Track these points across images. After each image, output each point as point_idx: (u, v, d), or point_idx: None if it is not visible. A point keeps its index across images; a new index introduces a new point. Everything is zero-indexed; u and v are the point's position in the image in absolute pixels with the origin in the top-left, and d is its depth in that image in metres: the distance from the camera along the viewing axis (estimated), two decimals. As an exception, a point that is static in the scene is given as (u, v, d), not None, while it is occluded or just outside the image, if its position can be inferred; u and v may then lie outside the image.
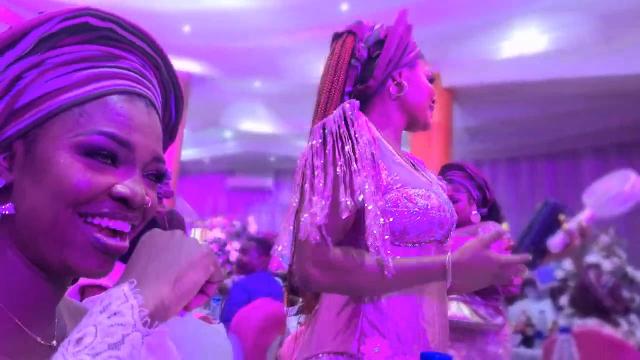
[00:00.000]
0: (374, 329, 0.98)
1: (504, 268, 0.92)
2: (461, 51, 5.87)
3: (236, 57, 6.60)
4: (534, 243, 1.02)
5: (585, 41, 5.42)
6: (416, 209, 0.98)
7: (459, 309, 1.96)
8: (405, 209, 0.98)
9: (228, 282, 4.17)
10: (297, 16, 5.60)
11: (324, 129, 1.00)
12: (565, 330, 1.38)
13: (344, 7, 5.39)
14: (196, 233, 6.88)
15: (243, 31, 5.89)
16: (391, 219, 0.98)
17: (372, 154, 0.98)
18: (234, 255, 4.87)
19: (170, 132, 0.65)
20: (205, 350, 1.75)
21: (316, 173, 0.97)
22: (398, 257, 0.96)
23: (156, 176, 0.55)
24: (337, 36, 1.16)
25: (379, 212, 0.95)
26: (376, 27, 1.14)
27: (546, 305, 4.07)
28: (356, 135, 0.97)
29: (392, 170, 1.01)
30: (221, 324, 2.17)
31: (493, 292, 1.96)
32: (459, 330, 1.92)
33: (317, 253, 0.94)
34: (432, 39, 5.77)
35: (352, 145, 0.97)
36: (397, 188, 0.99)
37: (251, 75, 7.38)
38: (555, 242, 1.02)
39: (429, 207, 0.99)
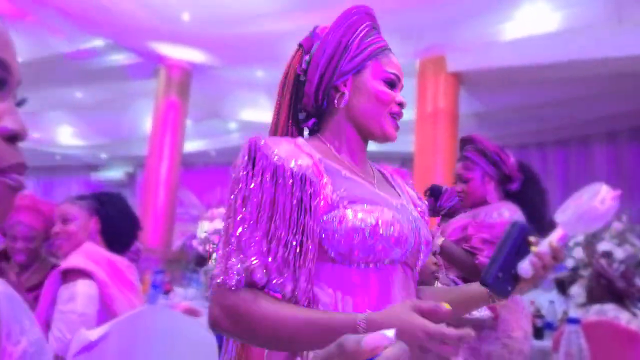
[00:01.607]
0: None
1: (434, 341, 0.74)
2: (466, 33, 5.68)
3: (237, 44, 6.49)
4: (503, 269, 0.91)
5: (596, 21, 5.21)
6: (361, 226, 0.87)
7: None
8: (349, 226, 0.87)
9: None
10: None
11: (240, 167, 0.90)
12: (574, 320, 1.28)
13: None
14: (202, 226, 6.80)
15: (242, 16, 5.77)
16: (336, 236, 0.87)
17: (301, 176, 0.87)
18: (234, 246, 4.77)
19: None
20: (187, 342, 1.66)
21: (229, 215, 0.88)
22: (304, 310, 0.84)
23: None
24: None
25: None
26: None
27: (556, 295, 3.95)
28: (260, 175, 0.87)
29: (339, 186, 0.90)
30: (204, 317, 2.08)
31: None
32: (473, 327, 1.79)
33: (222, 292, 0.84)
34: (435, 21, 5.62)
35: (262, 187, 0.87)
36: (343, 205, 0.88)
37: (253, 63, 7.27)
38: (525, 266, 0.92)
39: (377, 224, 0.87)
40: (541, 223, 1.88)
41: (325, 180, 0.89)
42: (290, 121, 1.02)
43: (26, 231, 2.03)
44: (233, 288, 0.82)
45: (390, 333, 0.45)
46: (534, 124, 7.78)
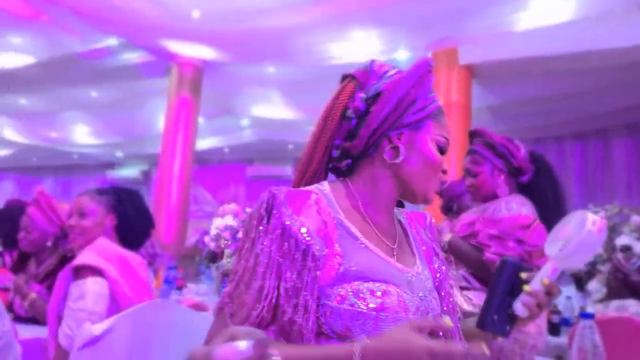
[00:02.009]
0: None
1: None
2: (478, 24, 5.57)
3: (247, 39, 6.48)
4: (499, 312, 0.89)
5: (613, 9, 5.07)
6: (363, 309, 0.81)
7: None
8: (350, 306, 0.81)
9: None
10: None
11: (249, 220, 0.87)
12: (587, 315, 1.23)
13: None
14: (215, 222, 6.81)
15: (252, 12, 5.76)
16: (333, 315, 0.82)
17: (314, 246, 0.82)
18: (246, 243, 4.78)
19: None
20: (192, 337, 1.65)
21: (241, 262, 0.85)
22: (296, 347, 0.79)
23: None
24: (343, 78, 0.96)
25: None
26: (389, 73, 0.94)
27: (573, 291, 3.87)
28: (266, 237, 0.83)
29: (350, 257, 0.84)
30: (211, 312, 2.08)
31: None
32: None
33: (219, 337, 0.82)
34: (446, 12, 5.53)
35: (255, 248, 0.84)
36: (348, 280, 0.83)
37: (264, 59, 7.26)
38: (520, 306, 0.89)
39: (383, 309, 0.82)
40: (555, 214, 1.83)
41: (336, 248, 0.84)
42: (325, 158, 0.94)
43: (26, 221, 2.18)
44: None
45: (244, 345, 0.41)
46: (550, 117, 7.64)
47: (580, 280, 3.75)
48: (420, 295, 0.90)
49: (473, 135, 2.01)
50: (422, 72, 0.92)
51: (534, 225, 1.82)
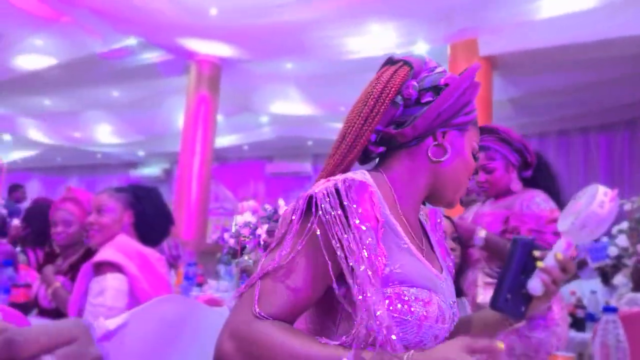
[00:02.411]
0: None
1: None
2: (499, 14, 5.45)
3: (264, 36, 6.49)
4: (512, 290, 0.87)
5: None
6: (408, 317, 0.79)
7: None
8: (395, 314, 0.78)
9: (259, 265, 4.10)
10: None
11: (314, 204, 0.79)
12: (611, 309, 1.19)
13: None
14: (235, 219, 6.86)
15: (268, 7, 5.76)
16: None
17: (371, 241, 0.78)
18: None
19: None
20: (207, 332, 1.65)
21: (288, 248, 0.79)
22: (336, 348, 0.75)
23: None
24: (390, 62, 0.93)
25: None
26: (438, 69, 0.93)
27: (599, 285, 3.77)
28: (357, 222, 0.77)
29: (395, 259, 0.81)
30: (225, 307, 2.09)
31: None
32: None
33: (244, 321, 0.76)
34: (466, 2, 5.43)
35: (353, 236, 0.77)
36: (392, 284, 0.79)
37: (281, 55, 7.26)
38: (534, 284, 0.87)
39: (425, 317, 0.80)
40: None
41: (381, 247, 0.80)
42: (367, 144, 0.91)
43: (64, 215, 2.19)
44: (261, 317, 0.76)
45: None
46: (574, 108, 7.45)
47: (606, 275, 3.66)
48: (451, 302, 0.89)
49: (484, 131, 2.00)
50: (472, 79, 0.92)
51: None
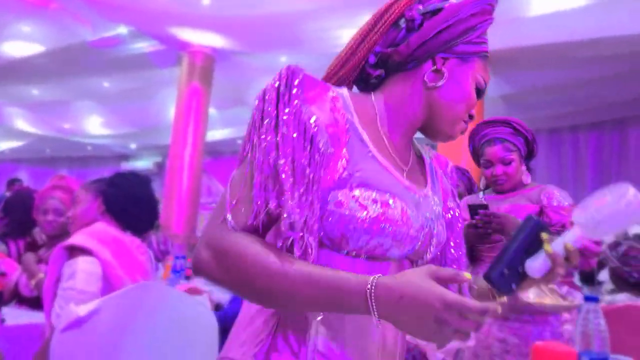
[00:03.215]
0: (287, 346, 0.78)
1: (452, 312, 0.66)
2: (491, 10, 5.44)
3: (258, 27, 6.43)
4: (510, 266, 0.84)
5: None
6: (362, 216, 0.76)
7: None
8: (349, 212, 0.76)
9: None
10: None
11: (263, 99, 0.79)
12: (591, 299, 1.17)
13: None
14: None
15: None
16: (330, 219, 0.77)
17: (321, 140, 0.76)
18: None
19: None
20: (184, 320, 1.62)
21: (247, 147, 0.80)
22: (308, 264, 0.74)
23: None
24: None
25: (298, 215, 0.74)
26: None
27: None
28: (285, 114, 0.76)
29: (356, 164, 0.80)
30: (205, 296, 2.06)
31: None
32: (528, 311, 1.78)
33: (216, 232, 0.75)
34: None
35: (276, 126, 0.76)
36: (350, 186, 0.78)
37: (275, 47, 7.21)
38: (535, 265, 0.84)
39: (381, 217, 0.77)
40: None
41: (343, 152, 0.79)
42: (363, 62, 0.88)
43: (56, 204, 2.19)
44: (233, 228, 0.75)
45: None
46: (564, 106, 7.48)
47: (591, 276, 3.66)
48: (427, 215, 0.86)
49: (498, 123, 1.99)
50: (485, 5, 0.88)
51: None
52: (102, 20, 6.73)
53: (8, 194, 5.80)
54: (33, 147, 12.38)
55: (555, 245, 0.84)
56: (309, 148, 0.76)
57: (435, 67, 0.86)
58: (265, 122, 0.77)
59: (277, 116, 0.77)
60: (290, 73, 0.79)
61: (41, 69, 7.94)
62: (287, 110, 0.76)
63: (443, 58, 0.87)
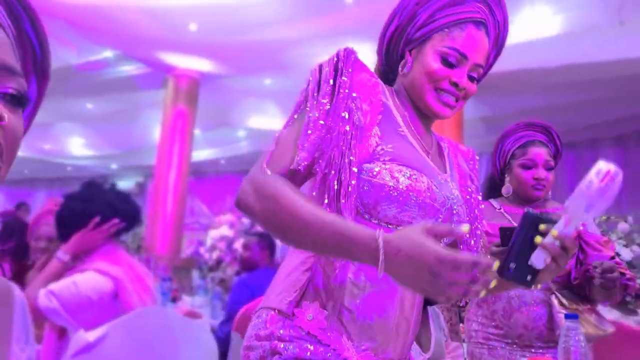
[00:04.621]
0: (317, 297, 0.89)
1: (446, 266, 0.70)
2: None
3: (244, 52, 6.54)
4: (516, 260, 0.89)
5: (597, 24, 5.16)
6: (395, 185, 0.87)
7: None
8: (383, 182, 0.87)
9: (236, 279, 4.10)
10: (300, 6, 5.50)
11: (320, 70, 0.94)
12: (571, 316, 1.26)
13: (349, -3, 5.26)
14: (210, 234, 6.82)
15: (248, 25, 5.82)
16: (366, 188, 0.87)
17: (356, 115, 0.89)
18: (241, 253, 4.79)
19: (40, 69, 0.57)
20: (187, 344, 1.67)
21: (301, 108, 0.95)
22: (330, 214, 0.83)
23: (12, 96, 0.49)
24: None
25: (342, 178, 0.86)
26: None
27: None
28: (340, 89, 0.90)
29: (388, 139, 0.91)
30: (206, 320, 2.10)
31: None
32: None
33: (259, 173, 0.88)
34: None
35: (331, 98, 0.90)
36: (383, 160, 0.89)
37: (260, 72, 7.32)
38: (536, 257, 0.88)
39: (412, 189, 0.87)
40: None
41: (375, 130, 0.91)
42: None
43: (49, 231, 2.10)
44: (273, 172, 0.86)
45: None
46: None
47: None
48: (448, 195, 0.95)
49: (539, 128, 1.87)
50: None
51: None
52: (88, 44, 6.76)
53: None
54: (10, 167, 12.15)
55: (547, 237, 0.87)
56: (347, 118, 0.88)
57: (404, 59, 1.01)
58: (323, 88, 0.90)
59: (334, 84, 0.90)
60: (347, 54, 0.93)
61: (25, 91, 7.88)
62: (342, 79, 0.90)
63: (409, 50, 1.00)
